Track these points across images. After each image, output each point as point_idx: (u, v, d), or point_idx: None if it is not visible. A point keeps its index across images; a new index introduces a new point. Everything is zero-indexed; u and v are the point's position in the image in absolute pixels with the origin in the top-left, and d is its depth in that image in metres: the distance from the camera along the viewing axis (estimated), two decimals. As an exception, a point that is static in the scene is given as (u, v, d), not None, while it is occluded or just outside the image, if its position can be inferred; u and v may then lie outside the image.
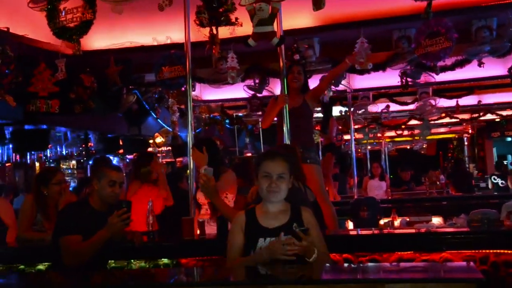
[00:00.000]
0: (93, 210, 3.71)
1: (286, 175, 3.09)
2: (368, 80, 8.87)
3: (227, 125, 12.74)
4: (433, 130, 14.64)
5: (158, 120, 13.51)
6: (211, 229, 4.29)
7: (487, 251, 3.79)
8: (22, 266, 4.19)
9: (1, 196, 9.13)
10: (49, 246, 3.84)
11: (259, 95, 8.32)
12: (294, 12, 6.08)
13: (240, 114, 12.39)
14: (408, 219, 6.32)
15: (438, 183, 11.90)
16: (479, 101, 11.22)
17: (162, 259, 4.05)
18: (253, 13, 3.75)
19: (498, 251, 3.77)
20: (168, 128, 14.45)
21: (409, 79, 7.14)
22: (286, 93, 5.38)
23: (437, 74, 6.35)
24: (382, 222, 6.53)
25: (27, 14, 5.80)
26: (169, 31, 6.62)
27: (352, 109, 10.21)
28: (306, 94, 5.62)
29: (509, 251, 3.75)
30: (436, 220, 5.95)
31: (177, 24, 6.54)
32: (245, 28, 4.57)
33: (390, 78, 8.04)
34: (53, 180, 4.73)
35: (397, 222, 6.29)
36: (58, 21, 4.76)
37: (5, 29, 5.42)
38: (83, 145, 14.40)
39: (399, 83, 7.22)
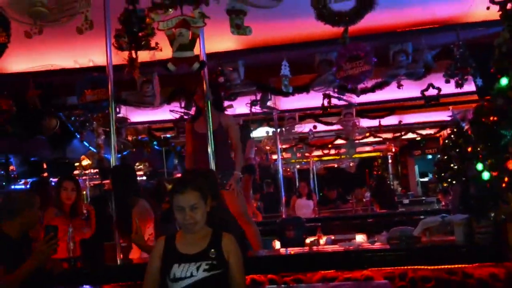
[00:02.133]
0: (8, 238, 3.58)
1: (199, 203, 3.08)
2: (293, 102, 9.03)
3: (155, 147, 12.61)
4: (359, 149, 15.06)
5: (84, 142, 13.24)
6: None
7: (406, 267, 3.92)
8: None
9: None
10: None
11: (185, 117, 8.30)
12: (218, 35, 6.14)
13: (168, 135, 12.32)
14: (333, 237, 6.44)
15: (363, 200, 12.25)
16: (400, 121, 11.65)
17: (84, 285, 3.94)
18: (172, 38, 3.75)
19: (416, 267, 3.91)
20: (94, 151, 14.17)
21: (332, 101, 7.32)
22: (198, 114, 5.45)
23: (357, 96, 6.56)
24: (308, 240, 6.61)
25: None
26: (91, 54, 6.52)
27: (279, 129, 10.38)
28: (222, 116, 5.58)
29: (426, 267, 3.90)
30: (360, 238, 6.08)
31: (99, 47, 6.48)
32: (167, 51, 4.58)
33: (315, 99, 8.25)
34: None
35: (322, 241, 6.38)
36: (-31, 45, 4.60)
37: None
38: (3, 169, 13.85)
39: (323, 105, 7.40)
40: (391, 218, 9.38)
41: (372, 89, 6.89)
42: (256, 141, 11.35)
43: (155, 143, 12.22)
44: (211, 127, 5.14)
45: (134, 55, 4.38)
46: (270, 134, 10.75)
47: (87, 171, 15.93)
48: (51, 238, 3.61)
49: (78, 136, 11.97)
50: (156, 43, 4.31)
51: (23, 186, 17.65)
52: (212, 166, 5.08)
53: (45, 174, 14.76)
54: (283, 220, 8.22)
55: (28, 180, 17.01)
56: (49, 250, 3.60)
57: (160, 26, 3.73)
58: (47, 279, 3.72)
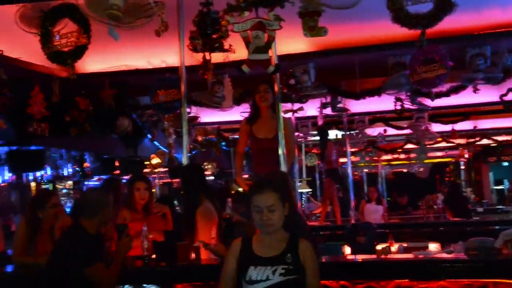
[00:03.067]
0: (86, 234, 3.68)
1: (277, 205, 3.05)
2: (363, 105, 8.88)
3: (223, 147, 12.72)
4: (430, 154, 14.66)
5: (155, 141, 13.54)
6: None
7: (486, 280, 3.74)
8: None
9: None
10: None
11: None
12: (290, 37, 6.09)
13: (236, 136, 12.38)
14: (405, 245, 6.26)
15: (435, 207, 11.88)
16: (475, 127, 11.24)
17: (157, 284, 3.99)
18: (247, 40, 3.73)
19: (497, 280, 3.73)
20: (164, 150, 14.46)
21: (405, 105, 7.13)
22: (256, 116, 5.31)
23: (432, 100, 6.36)
24: (379, 247, 6.45)
25: (21, 37, 5.81)
26: (164, 55, 6.62)
27: (348, 132, 10.24)
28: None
29: (508, 281, 3.70)
30: (433, 246, 5.85)
31: (172, 48, 6.58)
32: (240, 53, 4.58)
33: (386, 102, 8.06)
34: (49, 203, 4.66)
35: (394, 248, 6.21)
36: (51, 45, 4.74)
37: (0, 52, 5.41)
38: (78, 165, 14.36)
39: (396, 108, 7.22)
40: (464, 227, 9.05)
41: (447, 93, 6.68)
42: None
43: (223, 143, 12.33)
44: (282, 127, 5.07)
45: (208, 57, 4.40)
46: (339, 137, 10.61)
47: (156, 170, 16.32)
48: (127, 235, 3.77)
49: (149, 136, 12.27)
50: (230, 45, 4.32)
51: (97, 183, 18.33)
52: (283, 168, 5.03)
53: (117, 172, 15.24)
54: (353, 225, 8.08)
55: (102, 176, 17.64)
56: (130, 245, 3.76)
57: (235, 28, 3.71)
58: (122, 275, 3.79)
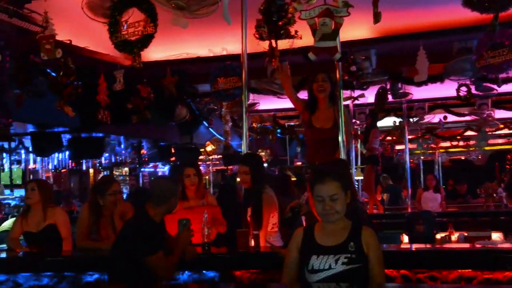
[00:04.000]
0: (152, 221, 3.75)
1: (339, 195, 3.03)
2: (424, 91, 8.70)
3: (278, 135, 12.72)
4: (490, 141, 14.24)
5: (210, 129, 13.71)
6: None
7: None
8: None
9: (60, 205, 9.35)
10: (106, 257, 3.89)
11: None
12: (351, 23, 6.02)
13: (292, 123, 12.39)
14: (466, 234, 6.12)
15: (495, 195, 11.53)
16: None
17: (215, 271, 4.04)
18: (315, 28, 3.69)
19: None
20: (219, 137, 14.62)
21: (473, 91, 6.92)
22: (314, 107, 5.20)
23: (499, 86, 6.15)
24: (438, 236, 6.32)
25: (88, 26, 5.95)
26: (225, 43, 6.66)
27: (406, 119, 10.07)
28: (336, 111, 5.16)
29: None
30: (496, 236, 5.70)
31: (233, 36, 6.61)
32: (304, 39, 4.56)
33: (446, 89, 7.86)
34: (109, 190, 4.79)
35: (454, 237, 6.07)
36: (119, 35, 4.84)
37: (68, 41, 5.54)
38: (135, 152, 14.65)
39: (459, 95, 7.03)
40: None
41: (497, 81, 6.44)
42: (383, 131, 11.11)
43: (278, 130, 12.32)
44: (342, 114, 5.03)
45: (274, 45, 4.39)
46: (397, 124, 10.44)
47: (211, 157, 16.52)
48: (188, 229, 3.83)
49: (205, 123, 12.43)
50: (296, 31, 4.29)
51: (152, 169, 18.69)
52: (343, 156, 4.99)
53: (173, 158, 15.50)
54: (412, 213, 7.95)
55: (158, 163, 17.96)
56: (190, 236, 3.83)
57: (303, 16, 3.69)
58: (180, 264, 3.85)
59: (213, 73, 6.44)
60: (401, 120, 10.05)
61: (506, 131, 13.20)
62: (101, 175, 17.05)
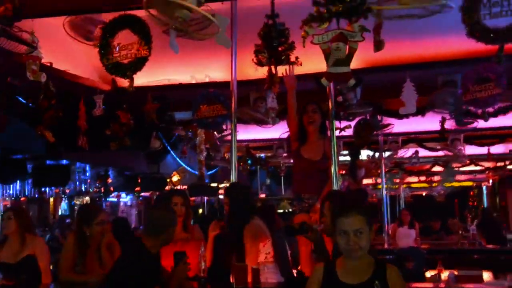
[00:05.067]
0: (150, 254, 3.55)
1: (364, 228, 2.89)
2: (397, 125, 8.74)
3: (250, 166, 12.62)
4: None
5: (177, 159, 13.53)
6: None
7: None
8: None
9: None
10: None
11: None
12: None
13: (262, 155, 12.33)
14: (456, 273, 5.99)
15: (460, 232, 11.59)
16: (510, 150, 11.00)
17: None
18: (328, 52, 3.60)
19: None
20: (186, 167, 14.43)
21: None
22: (304, 138, 5.11)
23: (486, 121, 6.17)
24: (428, 275, 6.18)
25: (69, 49, 5.77)
26: (208, 70, 6.56)
27: (384, 153, 10.11)
28: (326, 144, 5.09)
29: None
30: (487, 276, 5.60)
31: (217, 62, 6.52)
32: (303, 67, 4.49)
33: (419, 123, 7.90)
34: (96, 220, 4.54)
35: (444, 276, 5.94)
36: (111, 57, 4.67)
37: (48, 64, 5.34)
38: (100, 181, 14.31)
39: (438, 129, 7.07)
40: (502, 255, 8.81)
41: (496, 114, 6.51)
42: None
43: (249, 162, 12.21)
44: (335, 145, 4.94)
45: (274, 71, 4.30)
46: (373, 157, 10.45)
47: (175, 187, 16.28)
48: (184, 263, 3.63)
49: (173, 153, 12.27)
50: (296, 58, 4.22)
51: (115, 199, 18.26)
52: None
53: (138, 188, 15.21)
54: (401, 250, 7.82)
55: (121, 193, 17.57)
56: (187, 271, 3.64)
57: (315, 40, 3.59)
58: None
59: (195, 100, 6.27)
60: (374, 153, 10.06)
61: (472, 167, 13.40)
62: (62, 203, 16.60)
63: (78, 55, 6.24)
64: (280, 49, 4.19)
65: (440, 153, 10.78)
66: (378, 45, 4.00)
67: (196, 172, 15.28)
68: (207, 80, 6.61)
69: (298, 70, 4.50)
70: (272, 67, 4.34)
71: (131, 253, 3.67)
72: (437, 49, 5.95)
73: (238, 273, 3.88)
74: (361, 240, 2.87)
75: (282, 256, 5.16)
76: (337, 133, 7.25)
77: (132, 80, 4.64)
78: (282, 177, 13.95)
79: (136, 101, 6.61)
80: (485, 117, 5.77)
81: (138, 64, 4.59)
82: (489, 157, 10.50)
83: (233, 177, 5.16)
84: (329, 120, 5.06)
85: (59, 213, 17.30)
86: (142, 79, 6.73)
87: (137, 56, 4.57)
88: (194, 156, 14.15)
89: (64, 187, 13.46)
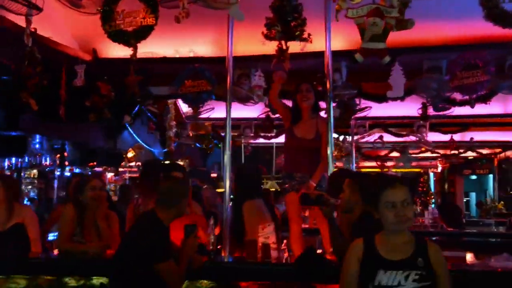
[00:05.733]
0: (163, 225, 3.46)
1: (410, 200, 2.89)
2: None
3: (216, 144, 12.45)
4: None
5: (134, 134, 13.32)
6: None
7: None
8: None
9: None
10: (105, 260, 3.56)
11: (272, 116, 8.13)
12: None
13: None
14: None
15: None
16: (471, 138, 11.28)
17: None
18: (363, 27, 3.54)
19: None
20: (142, 143, 14.23)
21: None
22: (297, 117, 5.13)
23: (472, 107, 6.28)
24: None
25: (50, 16, 5.52)
26: (193, 45, 6.41)
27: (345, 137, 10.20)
28: (319, 123, 5.11)
29: None
30: (469, 256, 5.68)
31: (202, 37, 6.38)
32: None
33: (389, 108, 7.98)
34: (87, 186, 4.48)
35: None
36: (114, 24, 4.48)
37: (33, 30, 5.08)
38: (58, 155, 13.91)
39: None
40: (460, 237, 9.08)
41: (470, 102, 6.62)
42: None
43: (216, 142, 12.06)
44: (332, 126, 4.93)
45: (284, 46, 4.22)
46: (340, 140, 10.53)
47: (130, 163, 16.04)
48: (195, 236, 3.57)
49: (129, 129, 12.10)
50: (309, 34, 4.14)
51: (69, 174, 17.76)
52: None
53: (94, 163, 14.88)
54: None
55: (74, 167, 17.07)
56: (195, 247, 3.60)
57: (349, 14, 3.53)
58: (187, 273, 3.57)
59: (180, 75, 6.16)
60: (344, 136, 10.14)
61: (428, 154, 13.70)
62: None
63: (58, 22, 5.97)
64: (292, 24, 4.10)
65: (403, 139, 10.95)
66: (402, 24, 3.95)
67: (152, 149, 15.12)
68: (191, 55, 6.46)
69: (294, 49, 4.42)
70: (283, 42, 4.24)
71: (144, 224, 3.55)
72: (425, 35, 5.99)
73: (249, 247, 3.85)
74: (407, 211, 2.86)
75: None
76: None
77: (135, 48, 4.46)
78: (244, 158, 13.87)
79: (117, 73, 6.41)
80: (472, 103, 5.88)
81: (143, 32, 4.45)
82: (452, 144, 10.76)
83: (227, 157, 5.04)
84: (326, 100, 5.02)
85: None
86: (124, 50, 6.53)
87: (143, 24, 4.42)
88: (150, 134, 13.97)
89: (22, 158, 13.00)
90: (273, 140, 11.47)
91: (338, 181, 3.85)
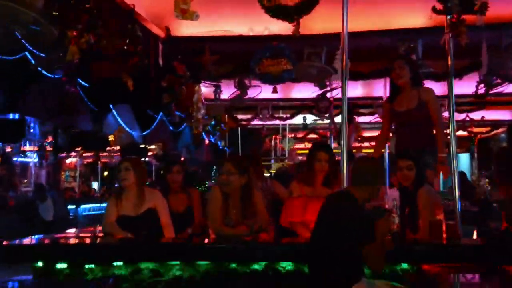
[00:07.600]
0: (361, 206, 3.29)
1: None
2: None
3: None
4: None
5: (117, 118, 12.84)
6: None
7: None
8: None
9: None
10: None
11: (328, 96, 7.93)
12: (410, 11, 5.92)
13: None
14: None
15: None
16: (482, 117, 11.24)
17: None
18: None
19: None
20: (125, 127, 13.73)
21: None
22: (396, 94, 4.93)
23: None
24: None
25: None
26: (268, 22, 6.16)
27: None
28: (422, 92, 4.87)
29: None
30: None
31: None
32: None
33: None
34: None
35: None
36: (273, -2, 4.17)
37: (132, 6, 4.70)
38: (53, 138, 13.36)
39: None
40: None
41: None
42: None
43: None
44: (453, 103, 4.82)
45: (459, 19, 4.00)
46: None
47: (111, 147, 15.61)
48: (386, 218, 3.39)
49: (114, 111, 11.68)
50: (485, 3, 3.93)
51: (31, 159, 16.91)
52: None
53: (79, 147, 14.34)
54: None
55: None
56: (389, 230, 3.38)
57: None
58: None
59: (257, 53, 5.91)
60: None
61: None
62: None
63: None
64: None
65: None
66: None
67: (132, 132, 14.64)
68: (266, 33, 6.18)
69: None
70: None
71: (344, 206, 3.32)
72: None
73: (435, 228, 3.72)
74: None
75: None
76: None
77: (298, 24, 4.15)
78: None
79: (190, 52, 6.09)
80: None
81: (306, 7, 4.11)
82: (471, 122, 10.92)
83: (343, 139, 4.84)
84: (448, 79, 4.89)
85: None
86: (195, 28, 6.18)
87: (304, -2, 4.10)
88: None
89: (20, 143, 12.34)
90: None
91: None
